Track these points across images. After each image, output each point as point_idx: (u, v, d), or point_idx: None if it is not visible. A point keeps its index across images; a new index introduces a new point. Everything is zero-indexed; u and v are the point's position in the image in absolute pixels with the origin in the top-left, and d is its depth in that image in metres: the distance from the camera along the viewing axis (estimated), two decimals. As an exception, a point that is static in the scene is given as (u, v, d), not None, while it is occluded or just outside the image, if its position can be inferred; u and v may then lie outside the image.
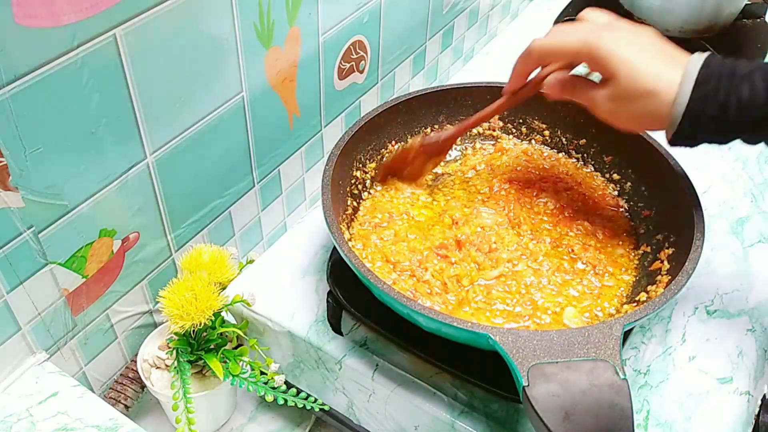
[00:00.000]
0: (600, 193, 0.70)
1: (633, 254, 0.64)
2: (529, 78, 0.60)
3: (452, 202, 0.68)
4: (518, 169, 0.72)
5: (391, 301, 0.52)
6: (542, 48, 0.56)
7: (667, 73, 0.50)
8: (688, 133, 0.50)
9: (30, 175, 0.50)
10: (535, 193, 0.69)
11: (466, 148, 0.76)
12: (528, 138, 0.76)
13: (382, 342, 0.62)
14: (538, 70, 0.59)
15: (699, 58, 0.50)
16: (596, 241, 0.64)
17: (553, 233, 0.65)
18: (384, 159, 0.71)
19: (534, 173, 0.71)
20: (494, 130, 0.76)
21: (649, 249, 0.63)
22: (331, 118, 0.84)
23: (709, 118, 0.49)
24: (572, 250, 0.63)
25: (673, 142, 0.52)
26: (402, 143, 0.71)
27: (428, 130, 0.74)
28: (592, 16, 0.57)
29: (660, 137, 0.66)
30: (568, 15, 1.09)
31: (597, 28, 0.54)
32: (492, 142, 0.76)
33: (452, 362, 0.57)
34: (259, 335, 0.67)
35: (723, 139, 0.51)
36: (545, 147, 0.75)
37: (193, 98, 0.62)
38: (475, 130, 0.76)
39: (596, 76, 0.55)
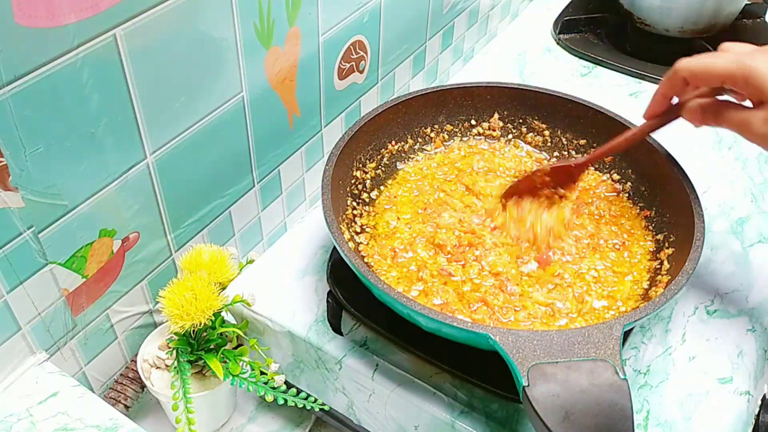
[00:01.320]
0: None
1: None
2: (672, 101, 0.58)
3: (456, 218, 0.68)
4: (517, 174, 0.72)
5: (391, 301, 0.52)
6: (691, 68, 0.54)
7: None
8: None
9: (30, 175, 0.50)
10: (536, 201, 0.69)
11: (460, 148, 0.76)
12: (527, 138, 0.75)
13: (382, 342, 0.62)
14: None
15: None
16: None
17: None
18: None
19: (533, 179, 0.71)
20: (494, 130, 0.76)
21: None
22: (331, 118, 0.84)
23: None
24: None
25: None
26: (529, 168, 0.67)
27: (427, 130, 0.74)
28: (735, 45, 0.55)
29: (660, 136, 0.66)
30: (568, 15, 1.09)
31: (748, 52, 0.52)
32: (492, 142, 0.76)
33: (452, 362, 0.57)
34: (259, 335, 0.67)
35: None
36: (537, 150, 0.75)
37: (193, 98, 0.62)
38: (474, 130, 0.76)
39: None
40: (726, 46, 0.55)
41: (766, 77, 0.49)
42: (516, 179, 0.68)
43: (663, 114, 0.59)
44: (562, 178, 0.65)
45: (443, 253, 0.62)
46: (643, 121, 0.61)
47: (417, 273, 0.61)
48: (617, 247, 0.64)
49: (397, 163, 0.73)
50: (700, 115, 0.56)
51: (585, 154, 0.66)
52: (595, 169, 0.72)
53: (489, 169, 0.73)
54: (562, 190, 0.65)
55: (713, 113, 0.55)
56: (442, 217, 0.66)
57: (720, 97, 0.56)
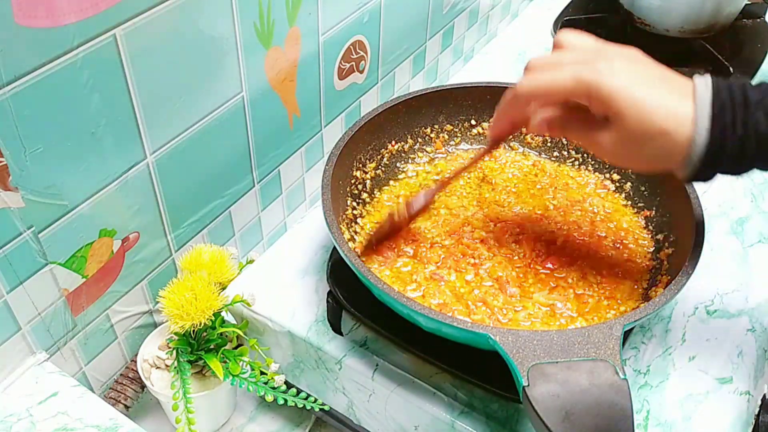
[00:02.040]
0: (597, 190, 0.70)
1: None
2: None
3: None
4: (516, 178, 0.72)
5: (391, 301, 0.52)
6: (530, 90, 0.50)
7: (676, 107, 0.45)
8: (706, 170, 0.46)
9: (30, 175, 0.50)
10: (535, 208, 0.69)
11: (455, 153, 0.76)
12: (526, 138, 0.75)
13: (382, 342, 0.62)
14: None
15: (704, 85, 0.45)
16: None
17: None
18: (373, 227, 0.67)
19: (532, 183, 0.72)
20: (494, 130, 0.76)
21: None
22: (331, 118, 0.84)
23: (728, 154, 0.44)
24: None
25: (689, 180, 0.47)
26: (388, 217, 0.64)
27: (427, 130, 0.74)
28: (573, 41, 0.50)
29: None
30: (568, 15, 1.09)
31: (587, 59, 0.47)
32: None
33: (452, 362, 0.57)
34: (259, 335, 0.67)
35: (740, 171, 0.47)
36: (534, 152, 0.75)
37: (193, 98, 0.62)
38: (474, 130, 0.76)
39: None
40: (562, 40, 0.51)
41: (609, 92, 0.45)
42: (377, 232, 0.64)
43: (506, 134, 0.57)
44: (418, 213, 0.65)
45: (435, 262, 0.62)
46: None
47: (411, 275, 0.61)
48: (617, 245, 0.64)
49: (397, 164, 0.73)
50: (545, 129, 0.52)
51: (429, 187, 0.67)
52: (595, 170, 0.72)
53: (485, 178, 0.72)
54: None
55: (559, 127, 0.51)
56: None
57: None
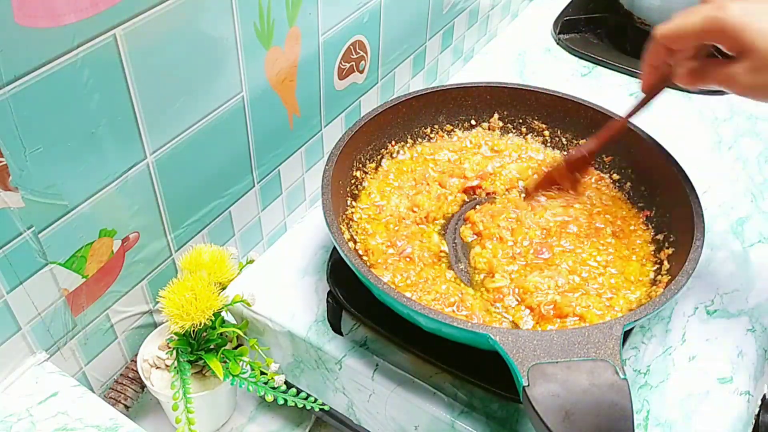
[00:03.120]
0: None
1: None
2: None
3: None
4: (518, 174, 0.72)
5: (391, 301, 0.52)
6: (665, 33, 0.54)
7: None
8: None
9: (30, 175, 0.50)
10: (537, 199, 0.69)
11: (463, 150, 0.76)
12: (527, 138, 0.75)
13: (382, 342, 0.62)
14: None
15: None
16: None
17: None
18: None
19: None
20: (494, 130, 0.76)
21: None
22: (331, 118, 0.84)
23: None
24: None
25: None
26: (547, 167, 0.70)
27: (427, 130, 0.74)
28: None
29: (660, 136, 0.66)
30: (568, 15, 1.09)
31: (720, 2, 0.50)
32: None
33: (452, 362, 0.57)
34: (259, 335, 0.67)
35: None
36: (542, 146, 0.75)
37: (193, 98, 0.62)
38: (474, 131, 0.76)
39: None
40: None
41: (739, 27, 0.49)
42: (536, 176, 0.70)
43: (657, 83, 0.60)
44: (578, 166, 0.67)
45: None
46: (641, 95, 0.62)
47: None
48: (616, 233, 0.64)
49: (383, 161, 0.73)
50: (689, 79, 0.55)
51: (591, 138, 0.67)
52: (596, 169, 0.72)
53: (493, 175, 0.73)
54: (578, 175, 0.68)
55: (700, 74, 0.54)
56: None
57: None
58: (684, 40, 0.54)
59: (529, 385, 0.45)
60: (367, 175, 0.70)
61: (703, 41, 0.53)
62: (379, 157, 0.71)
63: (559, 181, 0.68)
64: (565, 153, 0.73)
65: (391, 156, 0.72)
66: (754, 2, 0.50)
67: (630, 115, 0.63)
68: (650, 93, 0.60)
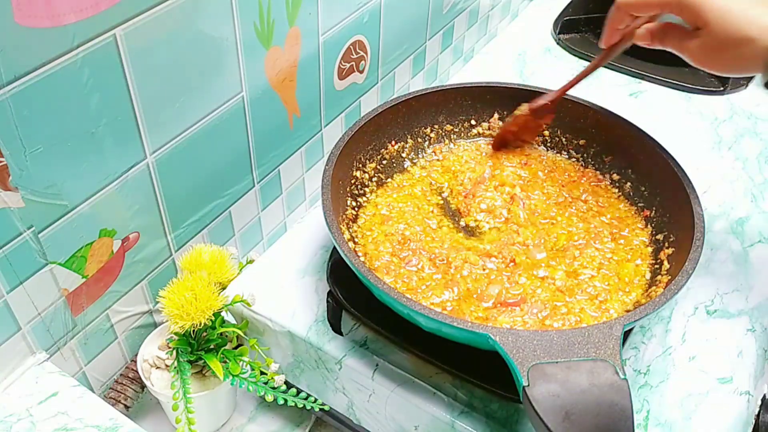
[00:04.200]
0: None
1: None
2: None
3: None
4: (521, 173, 0.72)
5: (391, 301, 0.52)
6: (629, 2, 0.57)
7: (761, 16, 0.50)
8: None
9: (30, 175, 0.50)
10: (538, 196, 0.69)
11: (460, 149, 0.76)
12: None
13: (382, 342, 0.62)
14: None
15: None
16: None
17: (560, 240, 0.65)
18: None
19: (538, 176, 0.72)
20: (494, 130, 0.76)
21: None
22: (331, 118, 0.84)
23: None
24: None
25: None
26: (509, 115, 0.73)
27: (427, 130, 0.74)
28: None
29: (660, 136, 0.66)
30: (568, 15, 1.09)
31: None
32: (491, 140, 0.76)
33: (452, 362, 0.57)
34: (259, 335, 0.67)
35: None
36: (543, 148, 0.75)
37: (193, 98, 0.62)
38: (474, 130, 0.76)
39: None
40: None
41: (697, 3, 0.52)
42: (503, 125, 0.74)
43: (618, 42, 0.63)
44: (542, 114, 0.71)
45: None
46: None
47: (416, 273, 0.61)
48: (615, 234, 0.64)
49: (395, 168, 0.72)
50: (648, 39, 0.59)
51: (556, 90, 0.70)
52: (596, 169, 0.72)
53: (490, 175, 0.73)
54: (540, 122, 0.72)
55: (659, 37, 0.58)
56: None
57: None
58: (646, 8, 0.57)
59: (529, 385, 0.45)
60: (370, 186, 0.70)
61: (664, 12, 0.57)
62: (379, 157, 0.71)
63: (520, 130, 0.72)
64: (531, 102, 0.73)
65: (401, 169, 0.73)
66: None
67: (592, 68, 0.66)
68: (610, 49, 0.64)
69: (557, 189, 0.70)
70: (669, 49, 0.57)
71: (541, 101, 0.70)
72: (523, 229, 0.65)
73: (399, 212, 0.67)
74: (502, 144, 0.74)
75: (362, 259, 0.62)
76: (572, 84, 0.69)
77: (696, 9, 0.52)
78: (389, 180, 0.71)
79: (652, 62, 0.99)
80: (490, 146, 0.75)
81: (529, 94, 0.73)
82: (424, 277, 0.60)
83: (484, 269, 0.61)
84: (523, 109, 0.71)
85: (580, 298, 0.58)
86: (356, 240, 0.65)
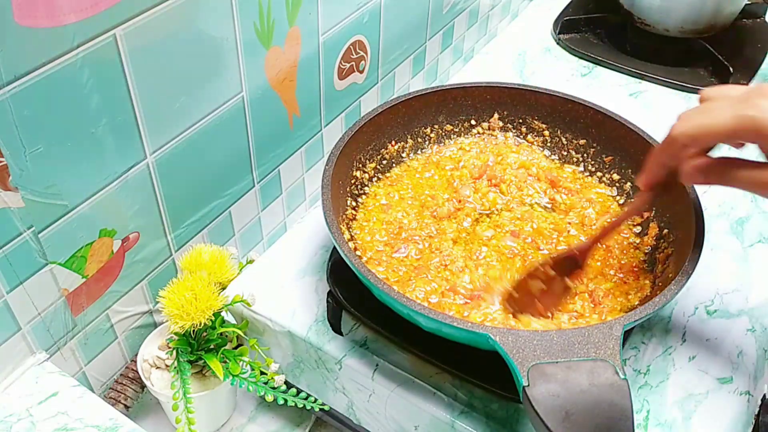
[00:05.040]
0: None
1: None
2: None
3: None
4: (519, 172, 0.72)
5: (391, 301, 0.52)
6: (690, 133, 0.47)
7: None
8: None
9: (30, 175, 0.50)
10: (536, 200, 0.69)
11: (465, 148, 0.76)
12: (527, 138, 0.75)
13: (382, 342, 0.62)
14: None
15: None
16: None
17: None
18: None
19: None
20: (494, 130, 0.76)
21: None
22: (331, 118, 0.84)
23: None
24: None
25: None
26: (520, 275, 0.60)
27: (427, 130, 0.74)
28: (719, 90, 0.48)
29: (660, 136, 0.66)
30: (568, 15, 1.09)
31: (742, 98, 0.45)
32: (493, 142, 0.76)
33: (452, 362, 0.57)
34: (259, 335, 0.67)
35: None
36: (546, 150, 0.75)
37: (193, 98, 0.62)
38: (474, 130, 0.76)
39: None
40: (708, 93, 0.49)
41: None
42: (515, 281, 0.60)
43: (660, 182, 0.54)
44: (567, 267, 0.60)
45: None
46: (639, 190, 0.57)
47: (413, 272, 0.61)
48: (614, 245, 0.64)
49: (393, 164, 0.73)
50: (701, 178, 0.49)
51: (586, 239, 0.63)
52: (596, 170, 0.72)
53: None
54: (568, 280, 0.59)
55: (718, 174, 0.48)
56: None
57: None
58: (709, 140, 0.48)
59: (529, 385, 0.45)
60: (372, 181, 0.70)
61: (732, 141, 0.48)
62: (379, 157, 0.71)
63: (540, 289, 0.59)
64: (551, 255, 0.62)
65: (399, 160, 0.72)
66: None
67: (624, 217, 0.60)
68: (650, 192, 0.55)
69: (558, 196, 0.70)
70: (734, 186, 0.48)
71: (566, 252, 0.59)
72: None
73: (397, 201, 0.68)
74: (517, 308, 0.58)
75: (358, 253, 0.62)
76: (602, 235, 0.59)
77: None
78: (388, 173, 0.72)
79: (652, 62, 0.99)
80: (490, 141, 0.75)
81: (529, 93, 0.73)
82: (415, 266, 0.61)
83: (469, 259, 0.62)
84: (545, 259, 0.60)
85: (583, 303, 0.59)
86: (356, 240, 0.65)
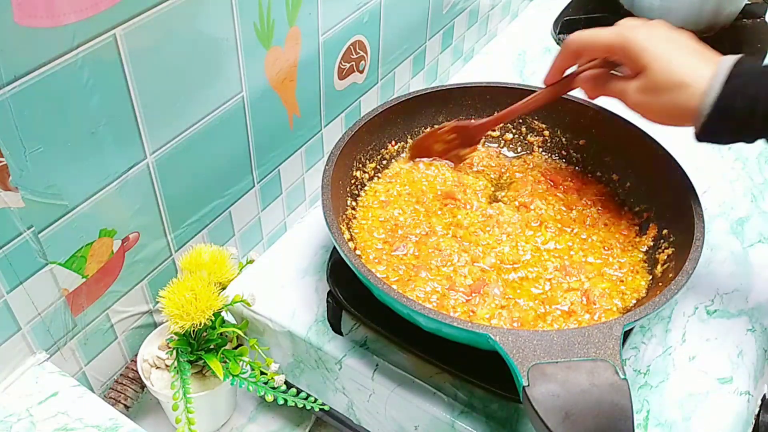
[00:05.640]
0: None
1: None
2: (566, 74, 0.63)
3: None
4: (519, 174, 0.72)
5: (391, 301, 0.52)
6: (577, 41, 0.59)
7: (698, 68, 0.52)
8: (715, 127, 0.52)
9: (30, 175, 0.50)
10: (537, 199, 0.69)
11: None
12: (527, 138, 0.76)
13: (382, 342, 0.62)
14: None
15: (732, 58, 0.52)
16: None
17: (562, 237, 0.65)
18: (409, 142, 0.73)
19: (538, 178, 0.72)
20: (494, 130, 0.76)
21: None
22: (331, 118, 0.84)
23: (737, 112, 0.50)
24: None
25: (700, 137, 0.53)
26: (431, 126, 0.73)
27: (427, 130, 0.74)
28: (629, 20, 0.58)
29: (660, 136, 0.66)
30: (568, 15, 1.09)
31: (633, 25, 0.56)
32: (495, 145, 0.76)
33: (452, 362, 0.57)
34: (259, 335, 0.67)
35: (749, 137, 0.52)
36: (544, 152, 0.75)
37: (193, 98, 0.62)
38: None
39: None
40: (621, 21, 0.58)
41: (641, 48, 0.54)
42: (422, 134, 0.73)
43: (560, 83, 0.64)
44: (465, 139, 0.71)
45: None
46: (543, 86, 0.66)
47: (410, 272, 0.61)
48: (615, 234, 0.64)
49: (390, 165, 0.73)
50: (591, 85, 0.61)
51: (487, 119, 0.70)
52: (596, 170, 0.72)
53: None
54: (463, 150, 0.72)
55: (601, 84, 0.59)
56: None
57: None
58: (593, 49, 0.59)
59: (529, 385, 0.45)
60: (373, 179, 0.70)
61: (609, 54, 0.58)
62: (379, 156, 0.71)
63: (438, 140, 0.71)
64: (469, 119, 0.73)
65: (399, 160, 0.73)
66: (663, 29, 0.56)
67: (529, 105, 0.67)
68: (551, 89, 0.64)
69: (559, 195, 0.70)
70: (609, 96, 0.59)
71: (464, 122, 0.71)
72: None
73: (396, 197, 0.68)
74: (421, 151, 0.72)
75: (358, 252, 0.62)
76: (499, 118, 0.69)
77: (639, 53, 0.54)
78: (387, 169, 0.72)
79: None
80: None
81: (529, 93, 0.73)
82: (413, 264, 0.61)
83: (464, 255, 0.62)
84: (448, 123, 0.71)
85: (575, 300, 0.59)
86: (356, 239, 0.65)
